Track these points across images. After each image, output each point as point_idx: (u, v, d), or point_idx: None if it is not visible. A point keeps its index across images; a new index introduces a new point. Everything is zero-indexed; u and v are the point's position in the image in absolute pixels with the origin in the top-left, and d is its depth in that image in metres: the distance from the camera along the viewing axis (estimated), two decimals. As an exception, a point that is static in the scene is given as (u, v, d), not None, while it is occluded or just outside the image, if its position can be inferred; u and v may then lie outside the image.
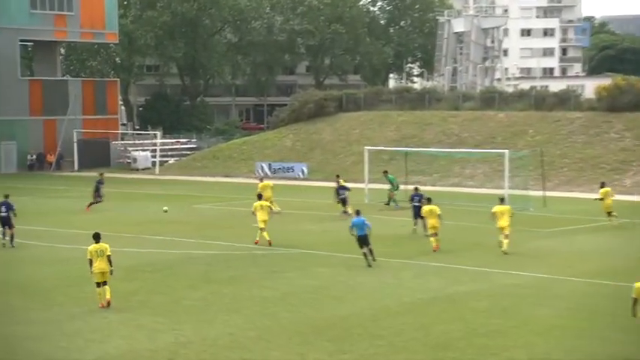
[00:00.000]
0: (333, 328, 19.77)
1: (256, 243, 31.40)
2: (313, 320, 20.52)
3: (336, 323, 20.23)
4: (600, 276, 25.72)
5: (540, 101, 64.25)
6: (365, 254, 27.39)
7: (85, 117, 75.31)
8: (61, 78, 78.66)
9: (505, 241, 29.50)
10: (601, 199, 37.49)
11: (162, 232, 35.13)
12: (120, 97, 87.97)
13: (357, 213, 28.32)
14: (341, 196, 40.43)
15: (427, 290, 23.84)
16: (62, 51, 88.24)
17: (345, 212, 38.42)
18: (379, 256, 29.06)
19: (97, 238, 22.15)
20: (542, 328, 19.80)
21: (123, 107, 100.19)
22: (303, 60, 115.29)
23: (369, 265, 27.19)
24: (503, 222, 29.60)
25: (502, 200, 31.18)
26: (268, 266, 27.49)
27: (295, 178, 62.26)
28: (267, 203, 33.00)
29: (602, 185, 38.51)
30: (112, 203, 44.51)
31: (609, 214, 37.26)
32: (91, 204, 42.77)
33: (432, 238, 30.65)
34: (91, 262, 21.88)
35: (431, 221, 30.62)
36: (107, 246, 22.05)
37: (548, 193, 46.37)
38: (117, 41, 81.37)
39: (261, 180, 43.27)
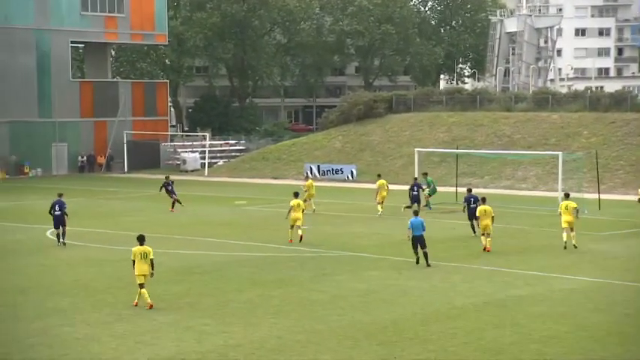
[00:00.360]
0: (383, 332, 19.62)
1: (290, 241, 32.12)
2: (363, 324, 20.39)
3: (387, 327, 20.07)
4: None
5: (595, 102, 63.39)
6: (419, 255, 27.55)
7: (135, 118, 76.13)
8: (111, 80, 79.61)
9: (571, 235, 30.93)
10: None
11: (211, 234, 35.28)
12: (169, 99, 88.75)
13: (416, 213, 28.55)
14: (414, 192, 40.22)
15: (479, 294, 23.56)
16: (112, 52, 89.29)
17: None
18: (430, 259, 28.85)
19: (141, 240, 22.41)
20: (599, 334, 19.43)
21: (172, 109, 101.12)
22: (353, 61, 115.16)
23: (427, 264, 27.30)
24: (567, 217, 30.98)
25: (567, 196, 32.72)
26: (317, 269, 27.41)
27: (344, 180, 62.19)
28: (302, 202, 33.41)
29: None
30: (161, 205, 44.83)
31: None
32: (173, 204, 43.64)
33: (482, 237, 30.74)
34: (134, 263, 22.15)
35: (484, 222, 30.61)
36: (151, 249, 22.32)
37: (603, 196, 45.65)
38: (166, 42, 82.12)
39: (307, 179, 43.56)
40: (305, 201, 40.87)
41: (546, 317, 20.88)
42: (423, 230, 27.63)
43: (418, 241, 27.56)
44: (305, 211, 35.25)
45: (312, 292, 23.93)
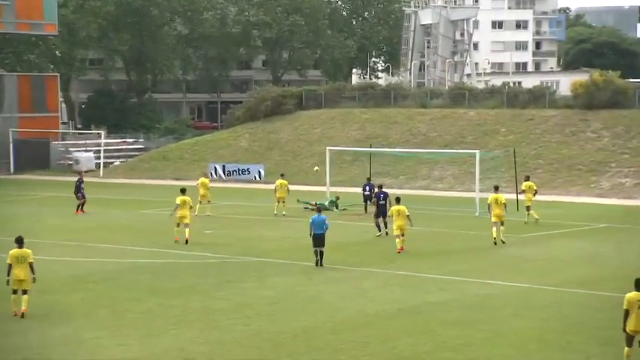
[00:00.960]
0: (292, 342, 19.66)
1: (176, 240, 33.07)
2: (270, 333, 20.39)
3: (296, 336, 20.12)
4: (579, 285, 25.87)
5: (513, 98, 64.75)
6: (316, 254, 28.51)
7: (22, 115, 74.36)
8: (-5, 72, 77.67)
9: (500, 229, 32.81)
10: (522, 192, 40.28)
11: (107, 239, 34.77)
12: (60, 94, 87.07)
13: (319, 210, 29.45)
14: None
15: (392, 301, 23.81)
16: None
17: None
18: (340, 264, 29.07)
19: (19, 242, 22.12)
20: (517, 341, 19.83)
21: (64, 104, 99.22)
22: (260, 54, 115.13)
23: (318, 265, 28.32)
24: (497, 210, 32.70)
25: (497, 189, 34.40)
26: (221, 276, 27.31)
27: (251, 181, 62.10)
28: (190, 200, 34.02)
29: (527, 178, 40.98)
30: (51, 209, 43.98)
31: (531, 214, 39.30)
32: (78, 206, 43.46)
33: (397, 240, 31.29)
34: (10, 267, 21.87)
35: (398, 222, 31.22)
36: (30, 252, 22.10)
37: (522, 196, 46.64)
38: (56, 33, 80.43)
39: (206, 176, 43.55)
40: (200, 202, 41.10)
41: (462, 324, 21.21)
42: (326, 229, 28.53)
43: (318, 240, 28.40)
44: (197, 215, 35.79)
45: (216, 300, 23.83)
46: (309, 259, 29.13)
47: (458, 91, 68.79)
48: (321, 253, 28.55)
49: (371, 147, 57.35)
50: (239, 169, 63.99)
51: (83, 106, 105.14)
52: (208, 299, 23.96)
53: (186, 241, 32.82)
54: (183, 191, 34.14)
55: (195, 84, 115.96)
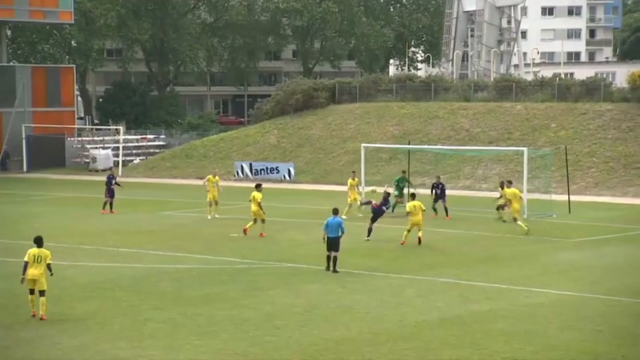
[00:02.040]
0: (324, 355, 19.68)
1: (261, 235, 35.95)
2: (302, 345, 20.43)
3: (329, 349, 20.14)
4: (635, 294, 25.70)
5: (564, 91, 64.43)
6: (329, 258, 28.72)
7: (36, 109, 75.10)
8: (7, 64, 78.42)
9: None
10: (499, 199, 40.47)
11: (126, 243, 35.00)
12: (76, 87, 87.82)
13: (335, 212, 29.54)
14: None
15: (434, 310, 23.78)
16: (8, 32, 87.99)
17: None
18: (377, 271, 29.05)
19: (38, 242, 22.86)
20: (568, 355, 19.74)
21: (80, 98, 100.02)
22: (290, 43, 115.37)
23: (329, 270, 28.56)
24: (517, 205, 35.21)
25: (511, 183, 37.80)
26: (249, 283, 27.38)
27: (280, 181, 62.20)
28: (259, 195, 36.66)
29: (509, 184, 39.78)
30: (66, 209, 44.31)
31: (501, 213, 40.18)
32: (105, 204, 44.52)
33: (406, 232, 33.67)
34: (25, 266, 22.54)
35: (416, 218, 33.42)
36: (49, 253, 22.84)
37: (574, 197, 46.41)
38: (72, 21, 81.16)
39: (214, 176, 43.93)
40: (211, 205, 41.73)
41: (510, 336, 21.15)
42: (342, 233, 28.83)
43: (332, 244, 28.66)
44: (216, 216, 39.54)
45: (244, 309, 23.89)
46: (342, 265, 29.14)
47: (504, 84, 68.55)
48: (335, 258, 28.69)
49: (409, 144, 57.28)
50: (267, 168, 64.13)
51: (100, 99, 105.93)
52: (235, 308, 24.03)
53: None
54: (258, 187, 36.90)
55: (221, 76, 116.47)
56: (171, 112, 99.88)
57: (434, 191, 42.99)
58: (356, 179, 43.66)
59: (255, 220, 36.47)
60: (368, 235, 34.79)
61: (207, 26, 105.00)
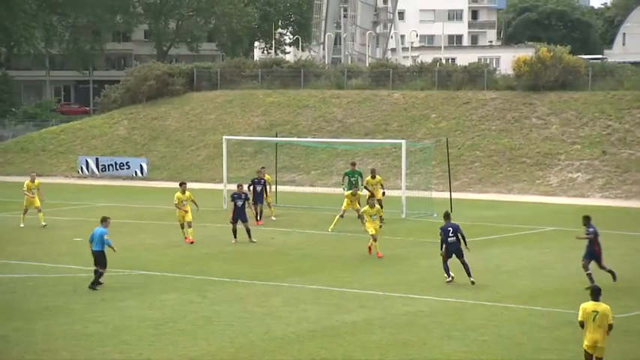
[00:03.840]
0: (181, 374, 19.58)
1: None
2: (155, 363, 20.29)
3: (186, 367, 20.05)
4: (521, 300, 26.29)
5: (445, 78, 65.48)
6: (95, 273, 27.40)
7: None
8: None
9: None
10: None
11: (-50, 250, 34.12)
12: None
13: (102, 221, 28.01)
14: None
15: (303, 321, 23.88)
16: None
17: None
18: (241, 277, 29.01)
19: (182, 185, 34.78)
20: (450, 366, 20.09)
21: None
22: (141, 23, 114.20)
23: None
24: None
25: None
26: (95, 293, 27.04)
27: (132, 178, 61.58)
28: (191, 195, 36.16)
29: (373, 174, 41.25)
30: None
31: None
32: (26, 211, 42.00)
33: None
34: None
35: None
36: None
37: (456, 195, 47.22)
38: None
39: (33, 180, 41.28)
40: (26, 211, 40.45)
41: (387, 348, 21.39)
42: (106, 244, 27.54)
43: (97, 258, 27.40)
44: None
45: (88, 323, 23.58)
46: (202, 271, 28.99)
47: (380, 70, 69.31)
48: (99, 274, 27.52)
49: (277, 136, 57.39)
50: (116, 164, 63.37)
51: None
52: (78, 322, 23.69)
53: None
54: (182, 185, 36.38)
55: (62, 59, 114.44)
56: (4, 100, 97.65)
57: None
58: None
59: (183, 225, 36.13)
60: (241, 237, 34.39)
61: (45, 1, 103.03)
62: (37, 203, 40.61)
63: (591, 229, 27.64)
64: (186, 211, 35.66)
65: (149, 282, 28.82)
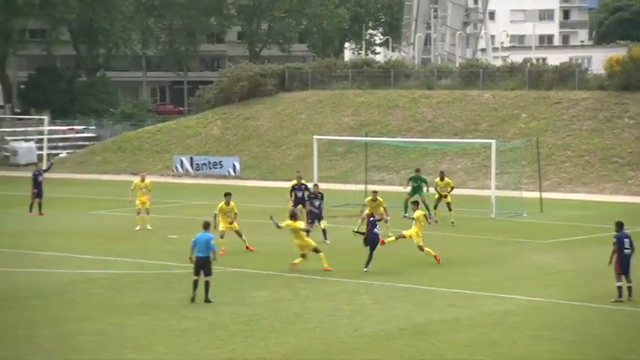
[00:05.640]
0: (272, 369, 19.72)
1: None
2: (247, 359, 20.43)
3: (277, 362, 20.19)
4: (610, 299, 25.96)
5: (536, 78, 64.92)
6: (195, 284, 25.58)
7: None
8: None
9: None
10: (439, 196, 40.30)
11: (50, 246, 34.73)
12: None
13: (205, 227, 26.45)
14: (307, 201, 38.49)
15: (393, 319, 23.87)
16: None
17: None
18: (331, 276, 29.10)
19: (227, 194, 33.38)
20: (539, 366, 19.96)
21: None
22: (234, 25, 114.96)
23: (194, 301, 25.50)
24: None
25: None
26: (190, 290, 27.29)
27: (224, 177, 62.08)
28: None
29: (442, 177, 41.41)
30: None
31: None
32: (32, 205, 43.42)
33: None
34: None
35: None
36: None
37: (546, 195, 46.82)
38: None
39: (143, 180, 40.58)
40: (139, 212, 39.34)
41: (475, 347, 21.30)
42: (212, 252, 25.93)
43: (200, 264, 25.65)
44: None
45: (183, 319, 23.84)
46: (294, 269, 29.16)
47: (470, 70, 68.97)
48: (207, 283, 25.78)
49: (367, 136, 57.41)
50: (209, 163, 63.97)
51: (22, 86, 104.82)
52: (174, 318, 23.96)
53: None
54: (227, 196, 33.83)
55: (158, 60, 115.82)
56: (102, 100, 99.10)
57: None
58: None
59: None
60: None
61: (141, 4, 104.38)
62: (148, 204, 39.57)
63: None
64: (231, 222, 33.53)
65: (242, 279, 29.05)
